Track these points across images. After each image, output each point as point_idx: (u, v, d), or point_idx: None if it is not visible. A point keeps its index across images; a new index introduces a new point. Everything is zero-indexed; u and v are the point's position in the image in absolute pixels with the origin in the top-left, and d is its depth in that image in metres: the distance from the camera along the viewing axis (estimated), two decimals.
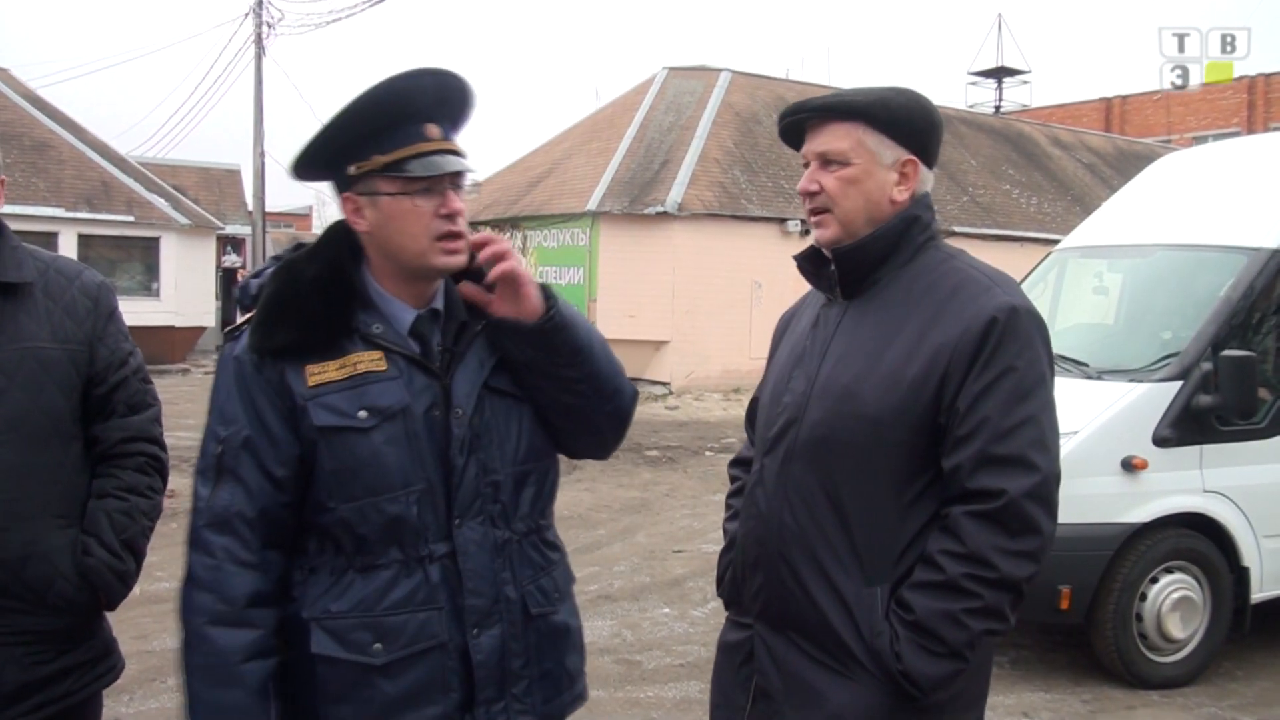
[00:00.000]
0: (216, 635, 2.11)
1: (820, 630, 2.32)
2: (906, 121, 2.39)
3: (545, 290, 2.27)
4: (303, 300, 2.17)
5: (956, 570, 2.20)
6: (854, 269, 2.40)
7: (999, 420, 2.21)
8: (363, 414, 2.14)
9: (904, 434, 2.27)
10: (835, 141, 2.36)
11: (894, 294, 2.38)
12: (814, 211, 2.40)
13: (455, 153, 2.22)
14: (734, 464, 2.81)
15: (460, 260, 2.23)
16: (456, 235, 2.20)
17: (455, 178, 2.20)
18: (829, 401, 2.34)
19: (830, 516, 2.32)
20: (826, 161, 2.37)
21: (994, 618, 2.24)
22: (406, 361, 2.20)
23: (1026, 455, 2.22)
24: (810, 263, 2.53)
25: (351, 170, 2.17)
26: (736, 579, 2.56)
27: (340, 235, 2.28)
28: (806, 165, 2.42)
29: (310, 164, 2.25)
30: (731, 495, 2.74)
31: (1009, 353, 2.24)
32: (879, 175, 2.37)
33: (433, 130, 2.19)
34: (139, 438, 2.73)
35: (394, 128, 2.15)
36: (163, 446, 2.77)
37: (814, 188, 2.38)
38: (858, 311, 2.41)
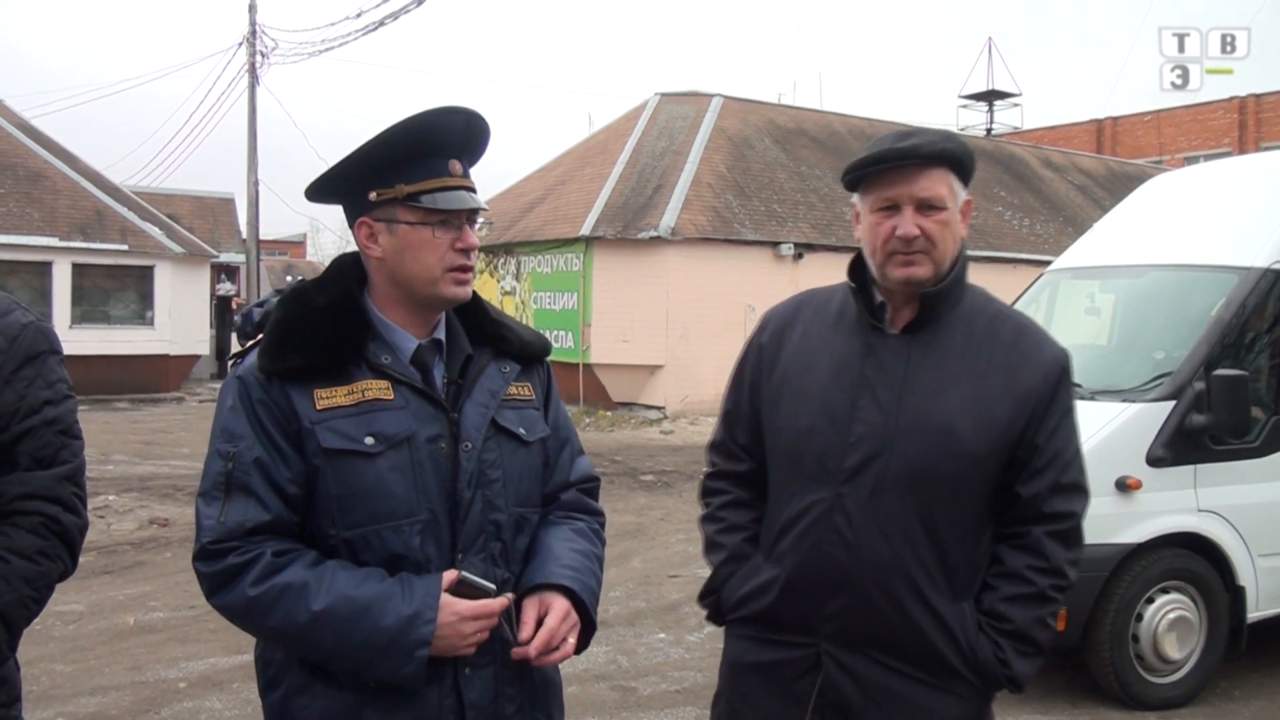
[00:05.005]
0: (273, 584, 2.08)
1: (915, 648, 2.46)
2: (972, 167, 2.54)
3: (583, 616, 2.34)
4: (315, 326, 2.20)
5: (1045, 583, 2.47)
6: (935, 308, 2.52)
7: (1066, 453, 2.52)
8: (369, 440, 2.16)
9: (995, 466, 2.48)
10: (936, 187, 2.45)
11: (957, 331, 2.53)
12: (909, 252, 2.45)
13: (472, 189, 2.28)
14: (718, 477, 2.80)
15: (467, 293, 2.30)
16: (468, 268, 2.27)
17: (472, 214, 2.27)
18: (926, 436, 2.45)
19: (926, 543, 2.45)
20: (924, 206, 2.44)
21: (1058, 616, 2.57)
22: (412, 392, 2.23)
23: (1083, 482, 2.56)
24: (853, 294, 2.60)
25: (372, 196, 2.22)
26: (793, 600, 2.55)
27: (349, 266, 2.33)
28: (889, 208, 2.46)
29: (332, 186, 2.29)
30: (723, 508, 2.75)
31: (1068, 395, 2.56)
32: (957, 217, 2.51)
33: (456, 166, 2.25)
34: (38, 495, 2.34)
35: (421, 160, 2.21)
36: (70, 509, 2.39)
37: (916, 233, 2.43)
38: (924, 345, 2.51)
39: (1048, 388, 2.50)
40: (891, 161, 2.44)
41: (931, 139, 2.47)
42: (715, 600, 2.74)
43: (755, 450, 2.71)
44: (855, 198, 2.58)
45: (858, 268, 2.61)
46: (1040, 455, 2.48)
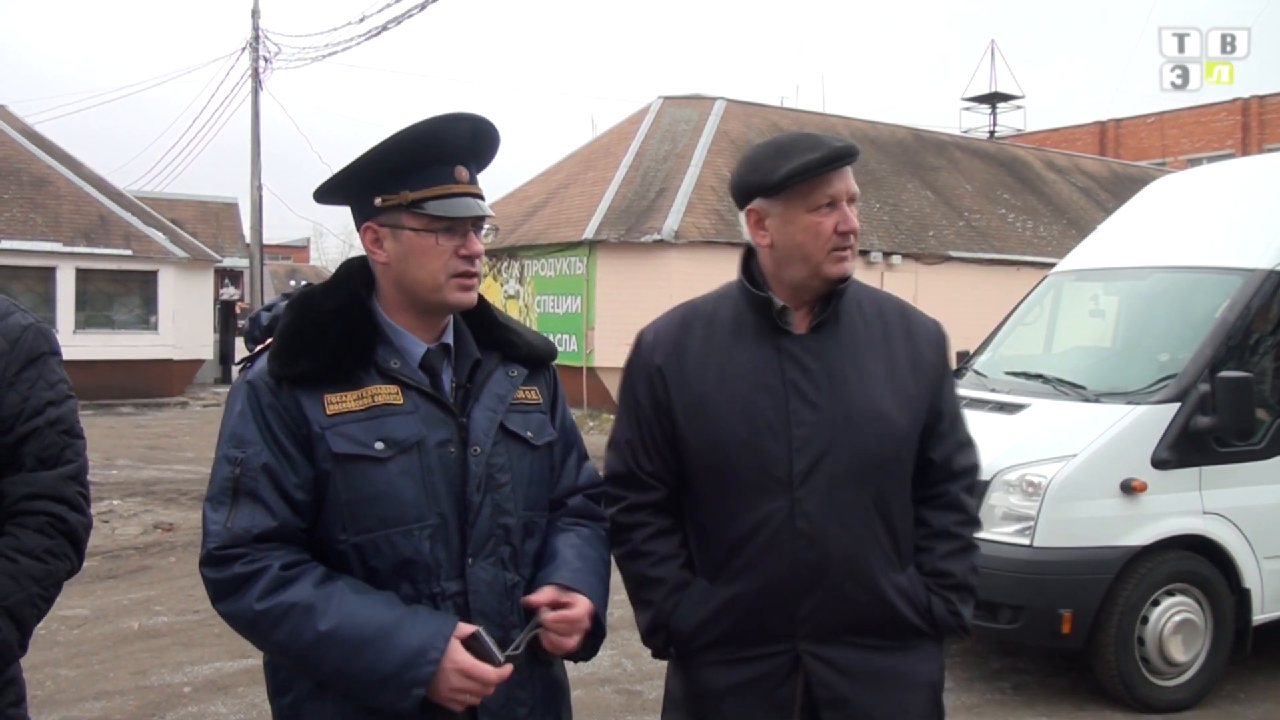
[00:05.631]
0: (280, 601, 2.08)
1: (885, 621, 2.55)
2: None
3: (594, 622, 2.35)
4: (324, 331, 2.20)
5: (968, 534, 2.69)
6: (839, 303, 2.59)
7: (958, 413, 2.75)
8: (379, 445, 2.16)
9: (917, 440, 2.62)
10: (855, 184, 2.56)
11: (855, 322, 2.61)
12: (846, 247, 2.54)
13: (479, 196, 2.28)
14: (632, 510, 2.64)
15: (472, 299, 2.30)
16: (472, 275, 2.27)
17: (477, 221, 2.26)
18: (864, 426, 2.52)
19: (880, 524, 2.55)
20: (852, 202, 2.54)
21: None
22: (421, 396, 2.23)
23: (972, 436, 2.77)
24: (756, 302, 2.60)
25: (377, 202, 2.22)
26: (763, 611, 2.52)
27: (357, 271, 2.34)
28: (829, 205, 2.51)
29: (338, 190, 2.30)
30: (649, 541, 2.63)
31: (950, 360, 2.80)
32: None
33: (462, 173, 2.25)
34: (44, 495, 2.37)
35: (426, 166, 2.21)
36: (75, 508, 2.41)
37: (858, 226, 2.55)
38: (833, 340, 2.57)
39: (940, 357, 2.70)
40: (845, 160, 2.51)
41: (845, 139, 2.58)
42: (665, 636, 2.63)
43: (665, 476, 2.63)
44: (761, 202, 2.58)
45: (749, 274, 2.65)
46: (944, 419, 2.67)
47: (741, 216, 2.67)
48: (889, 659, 2.56)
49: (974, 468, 2.75)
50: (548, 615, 2.24)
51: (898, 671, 2.56)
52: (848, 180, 2.52)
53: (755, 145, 2.65)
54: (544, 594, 2.27)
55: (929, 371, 2.64)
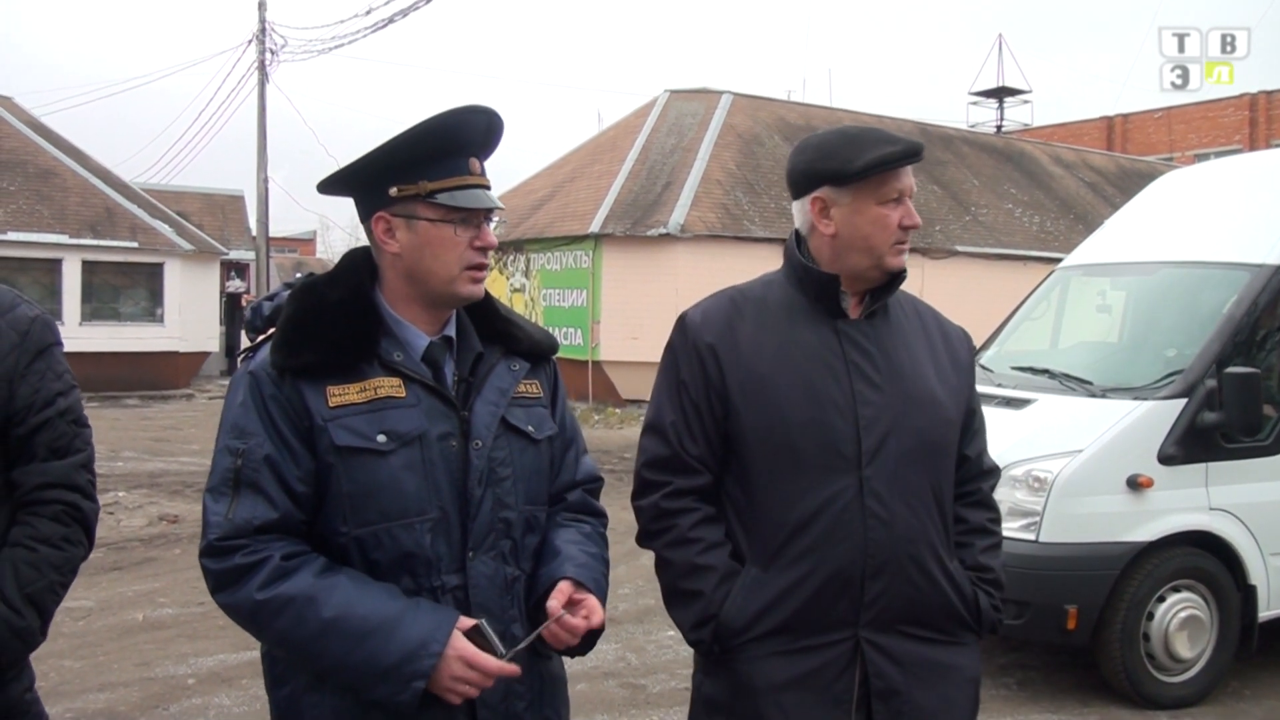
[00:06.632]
0: (280, 592, 2.08)
1: (940, 612, 2.58)
2: None
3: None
4: (327, 323, 2.20)
5: (1000, 530, 2.80)
6: (890, 293, 2.65)
7: (982, 413, 2.81)
8: (381, 438, 2.16)
9: (960, 431, 2.70)
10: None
11: (899, 313, 2.67)
12: (906, 240, 2.59)
13: (489, 188, 2.29)
14: (678, 495, 2.58)
15: (481, 291, 2.32)
16: (484, 267, 2.29)
17: (489, 212, 2.28)
18: (923, 409, 2.58)
19: (935, 509, 2.59)
20: (911, 196, 2.59)
21: None
22: (423, 389, 2.23)
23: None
24: (818, 283, 2.59)
25: (393, 191, 2.22)
26: (831, 595, 2.47)
27: (360, 261, 2.33)
28: (896, 199, 2.55)
29: (351, 180, 2.29)
30: (696, 527, 2.56)
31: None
32: None
33: (475, 165, 2.27)
34: (58, 484, 2.43)
35: (444, 158, 2.22)
36: (87, 495, 2.49)
37: (920, 221, 2.63)
38: (885, 328, 2.62)
39: (971, 357, 2.79)
40: (919, 155, 2.54)
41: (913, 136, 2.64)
42: (714, 629, 2.52)
43: (710, 461, 2.58)
44: (829, 191, 2.54)
45: (802, 259, 2.61)
46: (976, 417, 2.76)
47: (798, 205, 2.64)
48: (938, 652, 2.57)
49: (997, 469, 2.84)
50: (565, 618, 2.22)
51: (945, 665, 2.58)
52: (911, 176, 2.57)
53: (817, 135, 2.65)
54: (561, 590, 2.26)
55: (964, 370, 2.73)
